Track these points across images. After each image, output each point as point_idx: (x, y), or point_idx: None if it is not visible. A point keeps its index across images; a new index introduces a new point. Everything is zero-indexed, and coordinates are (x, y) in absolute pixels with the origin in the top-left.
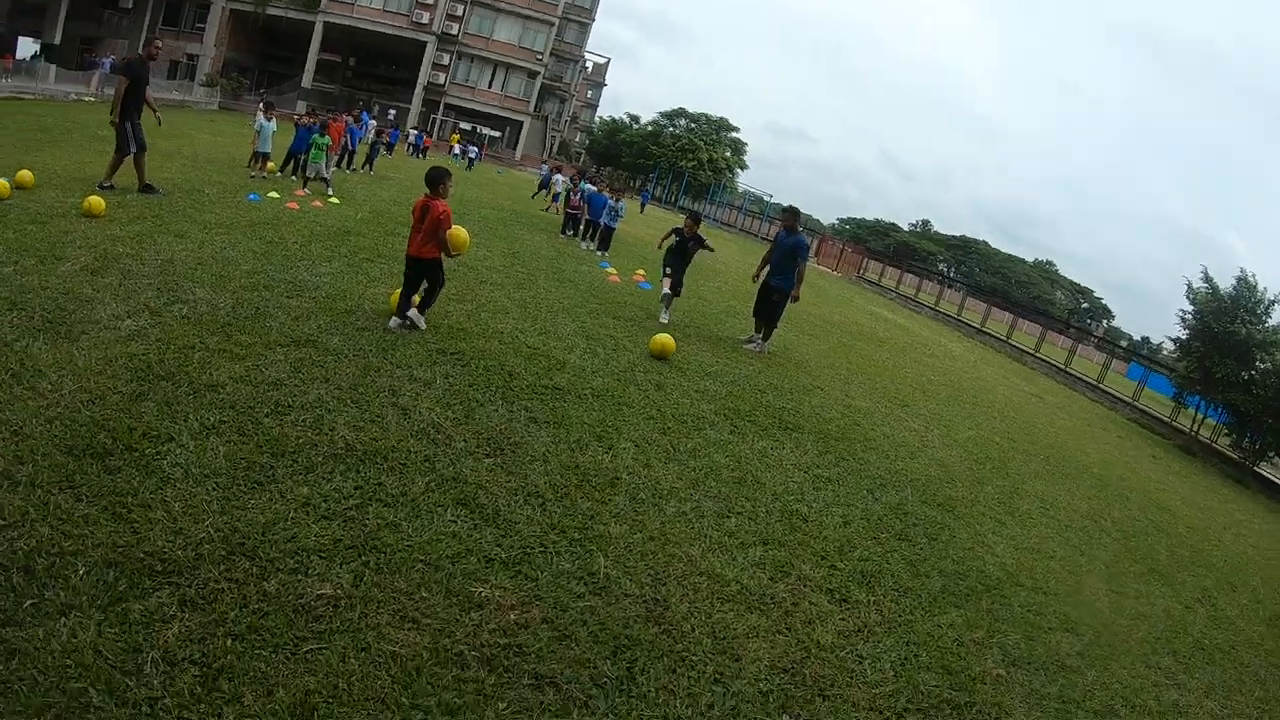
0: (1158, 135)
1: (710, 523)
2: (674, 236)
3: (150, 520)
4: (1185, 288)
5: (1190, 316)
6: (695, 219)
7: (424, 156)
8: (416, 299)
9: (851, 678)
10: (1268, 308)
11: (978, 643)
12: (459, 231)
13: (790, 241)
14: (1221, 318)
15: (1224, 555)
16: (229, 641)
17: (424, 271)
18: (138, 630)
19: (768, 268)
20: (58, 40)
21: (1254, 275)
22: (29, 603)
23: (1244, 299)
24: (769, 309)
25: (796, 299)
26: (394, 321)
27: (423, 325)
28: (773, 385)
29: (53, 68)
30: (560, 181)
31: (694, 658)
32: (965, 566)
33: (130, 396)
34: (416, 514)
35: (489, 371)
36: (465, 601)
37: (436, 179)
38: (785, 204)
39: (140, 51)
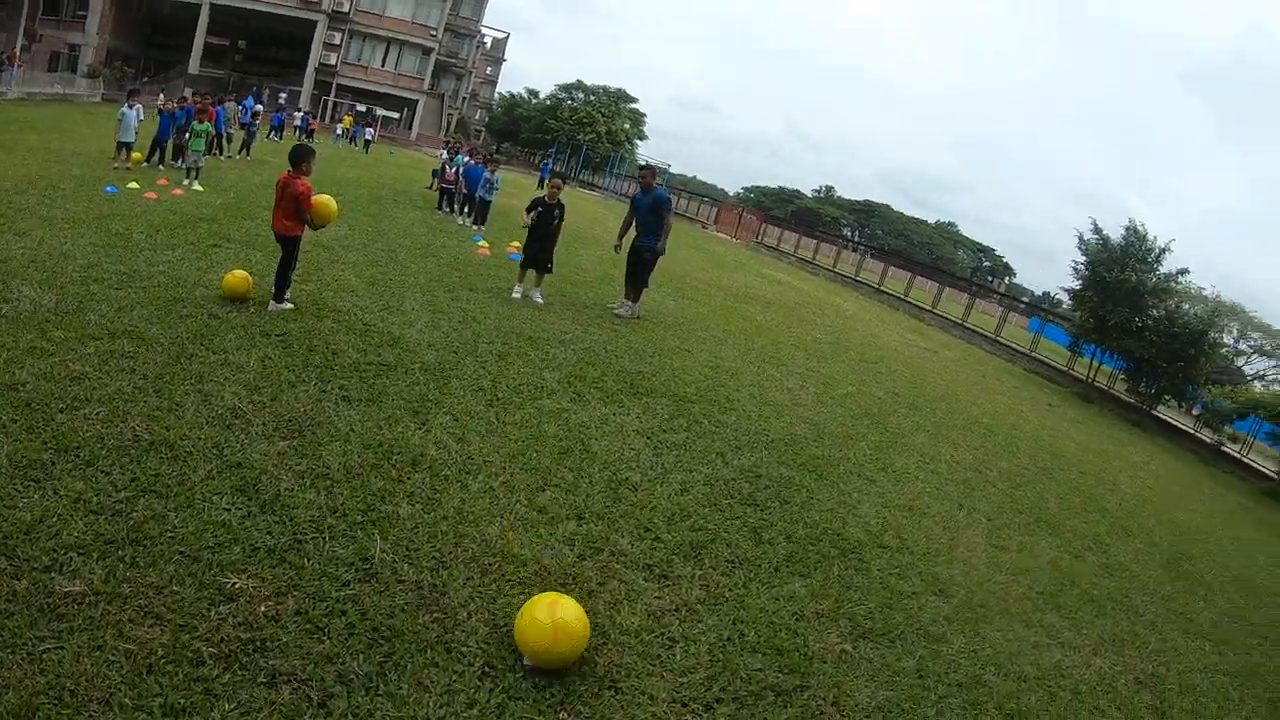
0: (1063, 103)
1: (521, 498)
2: (537, 211)
3: None
4: (1077, 239)
5: (1082, 267)
6: (562, 179)
7: (312, 140)
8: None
9: (654, 665)
10: (1158, 256)
11: (822, 615)
12: (324, 201)
13: (650, 200)
14: (1113, 267)
15: (1119, 499)
16: None
17: (283, 247)
18: None
19: (633, 230)
20: None
21: (1143, 225)
22: None
23: (1134, 248)
24: (639, 270)
25: (663, 251)
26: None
27: (288, 306)
28: (632, 349)
29: None
30: (442, 156)
31: (464, 649)
32: (819, 530)
33: None
34: (189, 504)
35: (312, 351)
36: (216, 594)
37: (299, 157)
38: (642, 165)
39: None
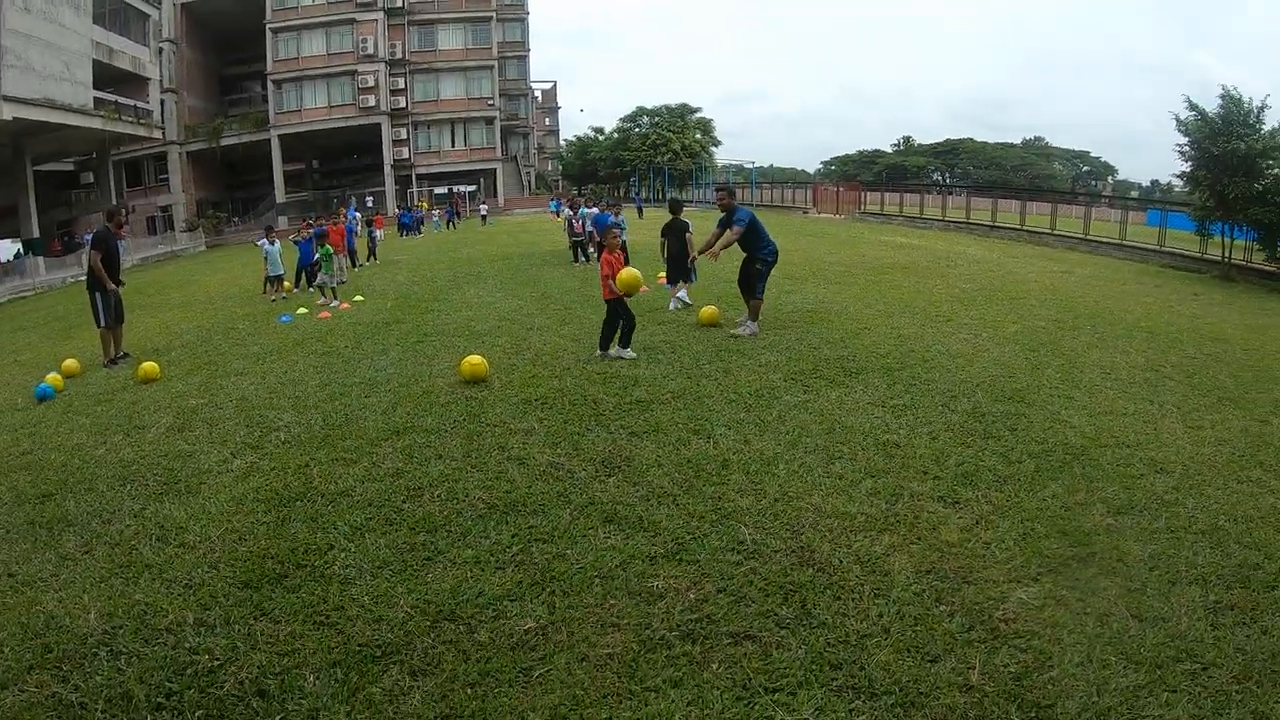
0: None
1: (820, 473)
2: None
3: (349, 618)
4: (1175, 122)
5: (1187, 148)
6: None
7: (421, 229)
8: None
9: (985, 562)
10: (1259, 115)
11: (1081, 504)
12: (626, 275)
13: (744, 222)
14: (1218, 140)
15: None
16: (467, 691)
17: (612, 311)
18: (384, 707)
19: (740, 251)
20: (36, 233)
21: (1235, 88)
22: (278, 718)
23: (1234, 115)
24: (749, 280)
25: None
26: (599, 354)
27: (631, 355)
28: (825, 339)
29: (40, 260)
30: (565, 213)
31: (851, 583)
32: (1049, 444)
33: (275, 524)
34: (574, 541)
35: (575, 405)
36: (649, 596)
37: (606, 235)
38: (718, 187)
39: (108, 223)
